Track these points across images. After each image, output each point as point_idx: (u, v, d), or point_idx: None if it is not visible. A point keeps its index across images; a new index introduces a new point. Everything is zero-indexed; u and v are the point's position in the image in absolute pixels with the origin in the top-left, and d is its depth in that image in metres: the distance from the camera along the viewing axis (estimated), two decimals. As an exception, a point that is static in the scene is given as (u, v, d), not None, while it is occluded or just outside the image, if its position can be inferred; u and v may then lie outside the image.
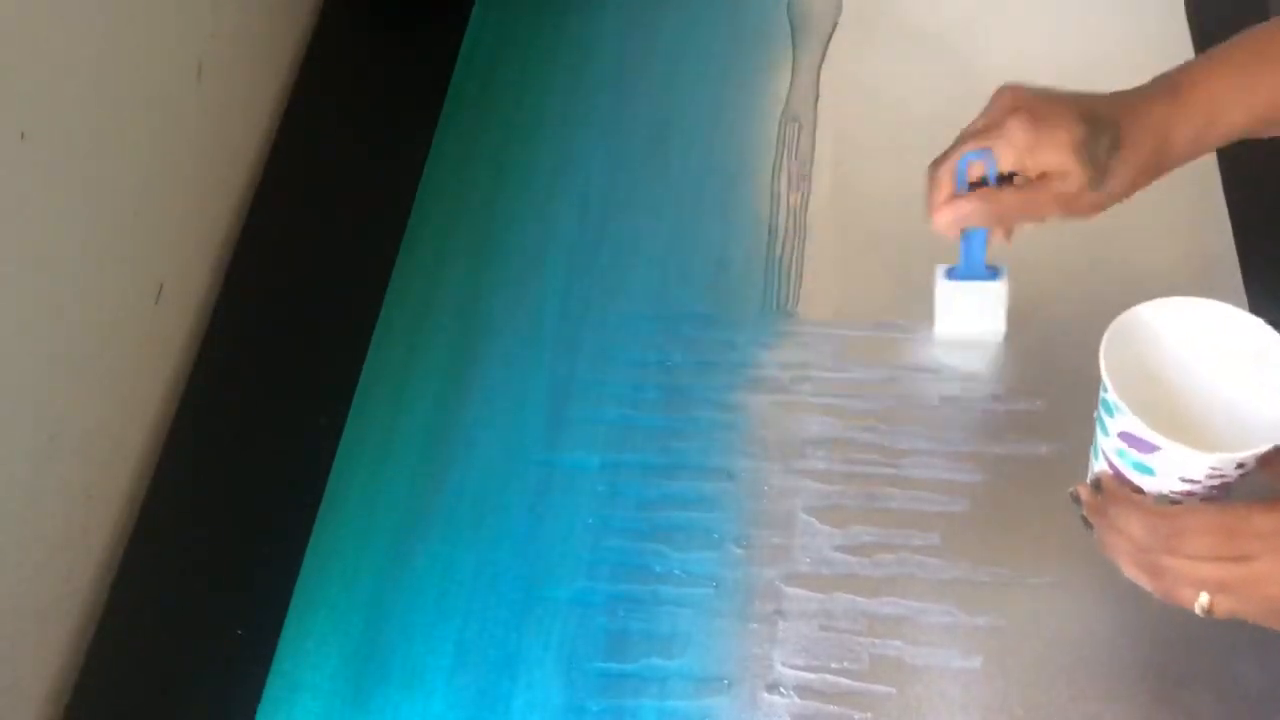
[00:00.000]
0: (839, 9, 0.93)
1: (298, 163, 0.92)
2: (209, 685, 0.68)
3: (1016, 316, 0.77)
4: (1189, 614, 0.62)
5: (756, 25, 0.97)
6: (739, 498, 0.73)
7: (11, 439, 0.66)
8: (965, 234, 0.72)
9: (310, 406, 0.79)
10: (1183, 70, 0.65)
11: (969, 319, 0.77)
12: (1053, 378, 0.76)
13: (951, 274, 0.75)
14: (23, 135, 0.64)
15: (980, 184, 0.66)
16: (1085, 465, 0.66)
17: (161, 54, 0.79)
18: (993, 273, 0.75)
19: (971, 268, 0.74)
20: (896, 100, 0.91)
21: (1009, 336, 0.77)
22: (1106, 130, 0.62)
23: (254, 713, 0.67)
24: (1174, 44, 0.90)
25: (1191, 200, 0.82)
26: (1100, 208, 0.65)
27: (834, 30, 0.94)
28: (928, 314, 0.78)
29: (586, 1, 1.00)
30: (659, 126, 0.92)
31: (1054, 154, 0.62)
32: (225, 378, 0.81)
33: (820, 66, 0.93)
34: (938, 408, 0.75)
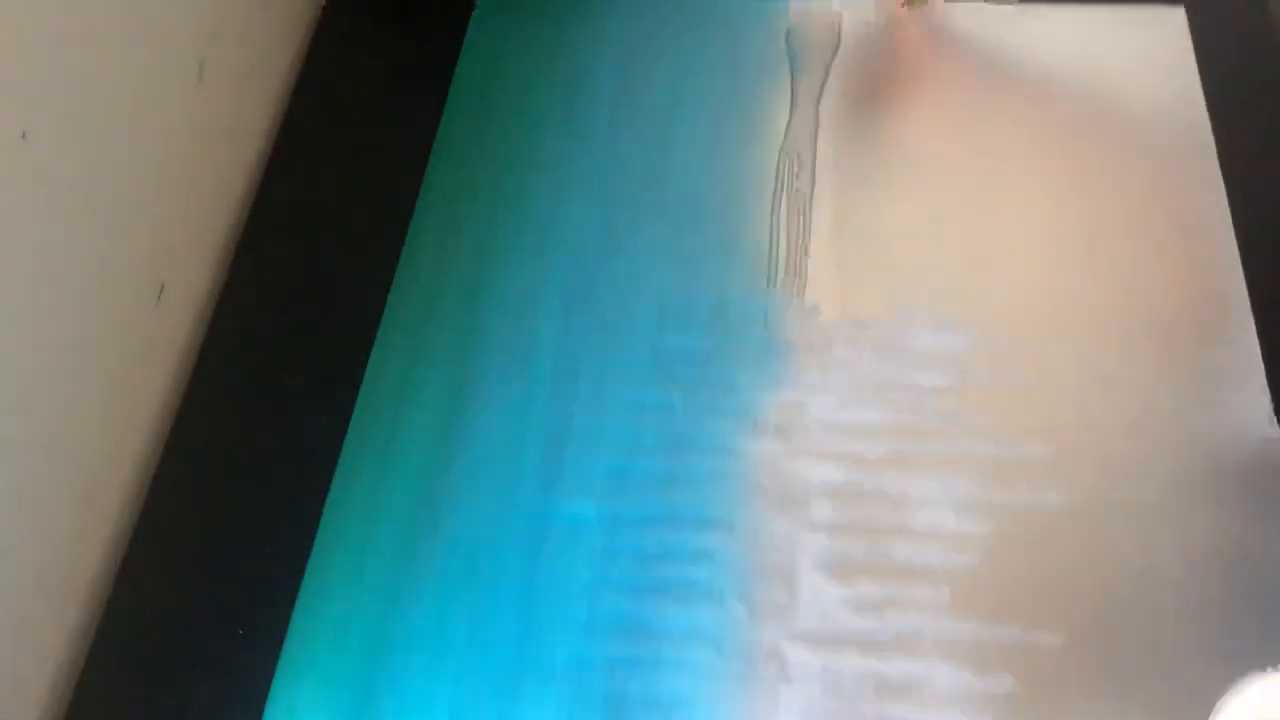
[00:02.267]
0: (838, 41, 0.90)
1: (298, 163, 0.90)
2: (209, 685, 0.68)
3: (1027, 360, 0.75)
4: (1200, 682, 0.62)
5: (754, 58, 0.94)
6: (741, 551, 0.70)
7: (12, 439, 0.65)
8: None
9: (311, 407, 0.77)
10: None
11: None
12: (1065, 421, 0.73)
13: None
14: (23, 135, 0.63)
15: None
16: (1098, 516, 0.67)
17: (163, 54, 0.77)
18: None
19: None
20: (897, 132, 0.88)
21: (1017, 386, 0.75)
22: None
23: (255, 712, 0.66)
24: (1179, 71, 0.87)
25: (1198, 239, 0.80)
26: None
27: (833, 62, 0.91)
28: (929, 364, 0.75)
29: (581, 35, 0.97)
30: (656, 161, 0.88)
31: None
32: (225, 378, 0.80)
33: (819, 99, 0.90)
34: (945, 453, 0.72)
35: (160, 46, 0.77)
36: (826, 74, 0.91)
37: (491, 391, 0.77)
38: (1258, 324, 0.75)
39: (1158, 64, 0.88)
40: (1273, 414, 0.72)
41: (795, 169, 0.86)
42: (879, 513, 0.71)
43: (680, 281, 0.81)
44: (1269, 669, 0.62)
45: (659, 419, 0.75)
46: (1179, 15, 0.90)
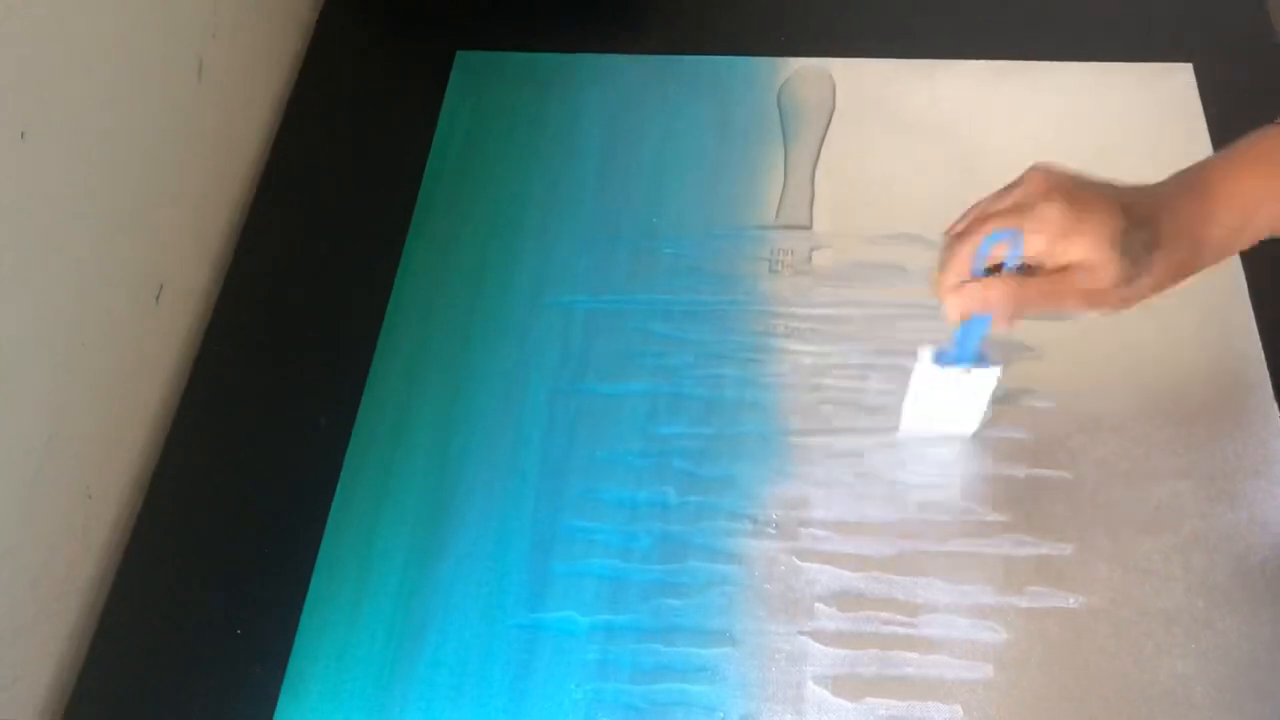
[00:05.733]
0: (833, 102, 0.84)
1: (298, 162, 0.88)
2: (209, 685, 0.66)
3: (1041, 458, 0.71)
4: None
5: (746, 120, 0.88)
6: (742, 666, 0.65)
7: (11, 439, 0.63)
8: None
9: (311, 406, 0.76)
10: (1209, 169, 0.58)
11: (946, 412, 0.69)
12: (1082, 518, 0.69)
13: (941, 358, 0.64)
14: (23, 135, 0.61)
15: (995, 269, 0.58)
16: (1122, 620, 0.64)
17: (161, 54, 0.76)
18: (985, 360, 0.64)
19: (966, 353, 0.63)
20: (900, 201, 0.82)
21: (1032, 479, 0.70)
22: (1144, 226, 0.56)
23: (255, 712, 0.65)
24: (1188, 129, 0.84)
25: (1216, 320, 0.76)
26: (1125, 305, 0.58)
27: (829, 125, 0.86)
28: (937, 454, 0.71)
29: (566, 106, 0.90)
30: (646, 236, 0.82)
31: (1090, 245, 0.55)
32: (225, 378, 0.78)
33: (815, 165, 0.84)
34: (955, 554, 0.68)
35: (159, 46, 0.76)
36: (822, 137, 0.85)
37: (474, 489, 0.72)
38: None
39: (1167, 122, 0.85)
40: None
41: (792, 241, 0.81)
42: (888, 621, 0.66)
43: (673, 367, 0.76)
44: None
45: (653, 519, 0.70)
46: (1187, 72, 0.87)
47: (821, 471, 0.71)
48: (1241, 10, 0.91)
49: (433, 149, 0.88)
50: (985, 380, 0.65)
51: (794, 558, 0.68)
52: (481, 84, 0.92)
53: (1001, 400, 0.71)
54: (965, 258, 0.58)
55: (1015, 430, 0.72)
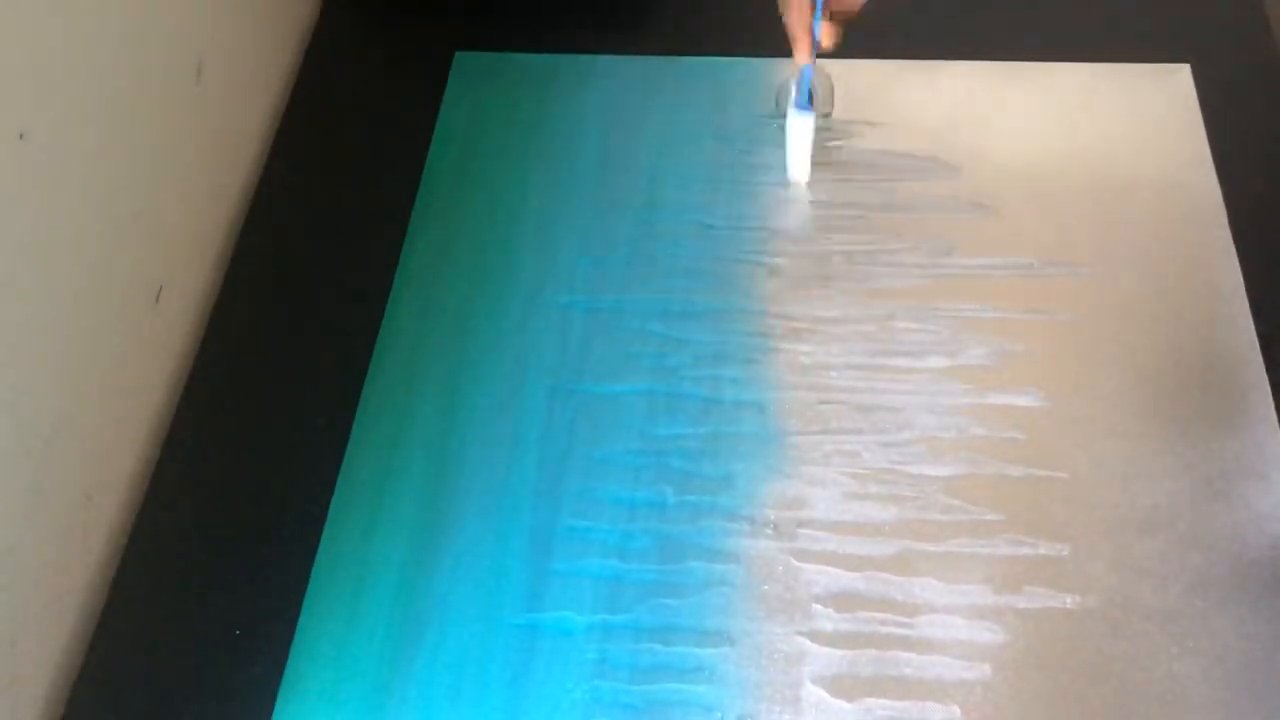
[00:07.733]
0: (832, 102, 0.84)
1: (298, 163, 0.88)
2: (208, 685, 0.66)
3: (1038, 458, 0.71)
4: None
5: (744, 125, 0.87)
6: (740, 666, 0.65)
7: (11, 439, 0.63)
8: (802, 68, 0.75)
9: (310, 407, 0.76)
10: None
11: (805, 156, 0.79)
12: (1078, 518, 0.69)
13: (800, 108, 0.77)
14: (22, 135, 0.61)
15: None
16: (1115, 620, 0.64)
17: (161, 54, 0.75)
18: (809, 107, 0.77)
19: (805, 100, 0.77)
20: (899, 201, 0.82)
21: (1029, 479, 0.70)
22: None
23: (254, 712, 0.65)
24: (1186, 128, 0.84)
25: (1212, 317, 0.76)
26: None
27: (827, 125, 0.85)
28: (934, 454, 0.71)
29: (565, 107, 0.90)
30: (644, 236, 0.82)
31: None
32: (225, 378, 0.78)
33: (810, 170, 0.83)
34: (953, 554, 0.68)
35: (158, 47, 0.76)
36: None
37: (472, 489, 0.72)
38: (1279, 408, 0.72)
39: (1164, 122, 0.84)
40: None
41: (790, 246, 0.80)
42: (886, 621, 0.66)
43: (672, 367, 0.76)
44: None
45: (651, 518, 0.70)
46: (1184, 72, 0.87)
47: (819, 471, 0.71)
48: (1239, 10, 0.91)
49: (432, 149, 0.88)
50: (810, 125, 0.78)
51: (792, 558, 0.68)
52: (481, 84, 0.92)
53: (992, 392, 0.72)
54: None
55: (1012, 430, 0.72)
